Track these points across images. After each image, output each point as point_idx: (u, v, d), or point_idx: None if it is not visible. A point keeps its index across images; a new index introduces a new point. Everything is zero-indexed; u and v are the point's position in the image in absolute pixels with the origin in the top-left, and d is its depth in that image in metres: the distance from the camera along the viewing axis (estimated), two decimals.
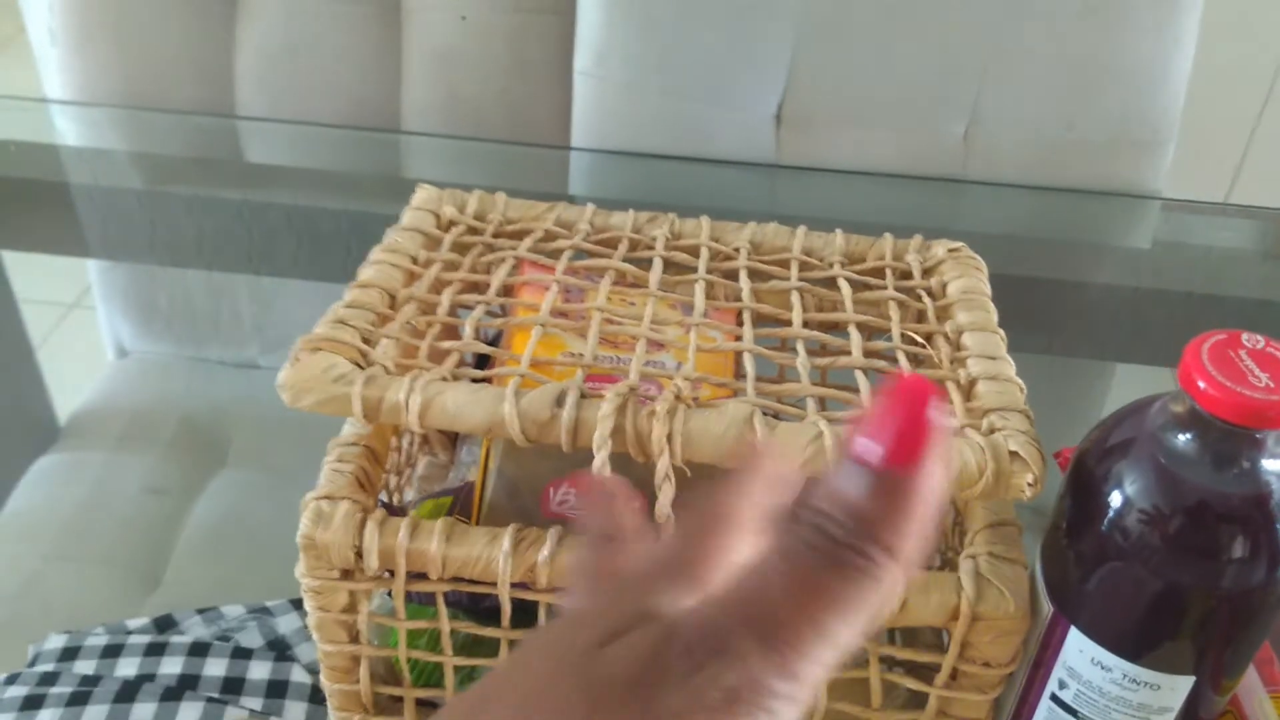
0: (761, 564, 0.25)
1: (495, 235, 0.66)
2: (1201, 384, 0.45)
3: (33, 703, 0.64)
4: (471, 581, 0.53)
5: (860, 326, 0.59)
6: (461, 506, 0.62)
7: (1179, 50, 1.12)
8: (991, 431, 0.50)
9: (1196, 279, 1.13)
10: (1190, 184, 1.28)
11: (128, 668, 0.67)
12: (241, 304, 1.16)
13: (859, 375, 0.55)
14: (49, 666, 0.67)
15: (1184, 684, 0.50)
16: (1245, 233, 1.27)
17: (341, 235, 1.10)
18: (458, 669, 0.59)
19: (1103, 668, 0.51)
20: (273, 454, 1.00)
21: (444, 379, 0.51)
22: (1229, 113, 1.91)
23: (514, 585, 0.53)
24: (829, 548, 0.24)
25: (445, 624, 0.56)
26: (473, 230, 0.67)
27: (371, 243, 0.63)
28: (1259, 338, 0.46)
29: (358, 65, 1.16)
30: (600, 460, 0.48)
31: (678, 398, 0.49)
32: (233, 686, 0.66)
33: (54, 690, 0.65)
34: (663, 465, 0.48)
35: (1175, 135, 1.14)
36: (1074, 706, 0.53)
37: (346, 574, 0.54)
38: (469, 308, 0.59)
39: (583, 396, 0.50)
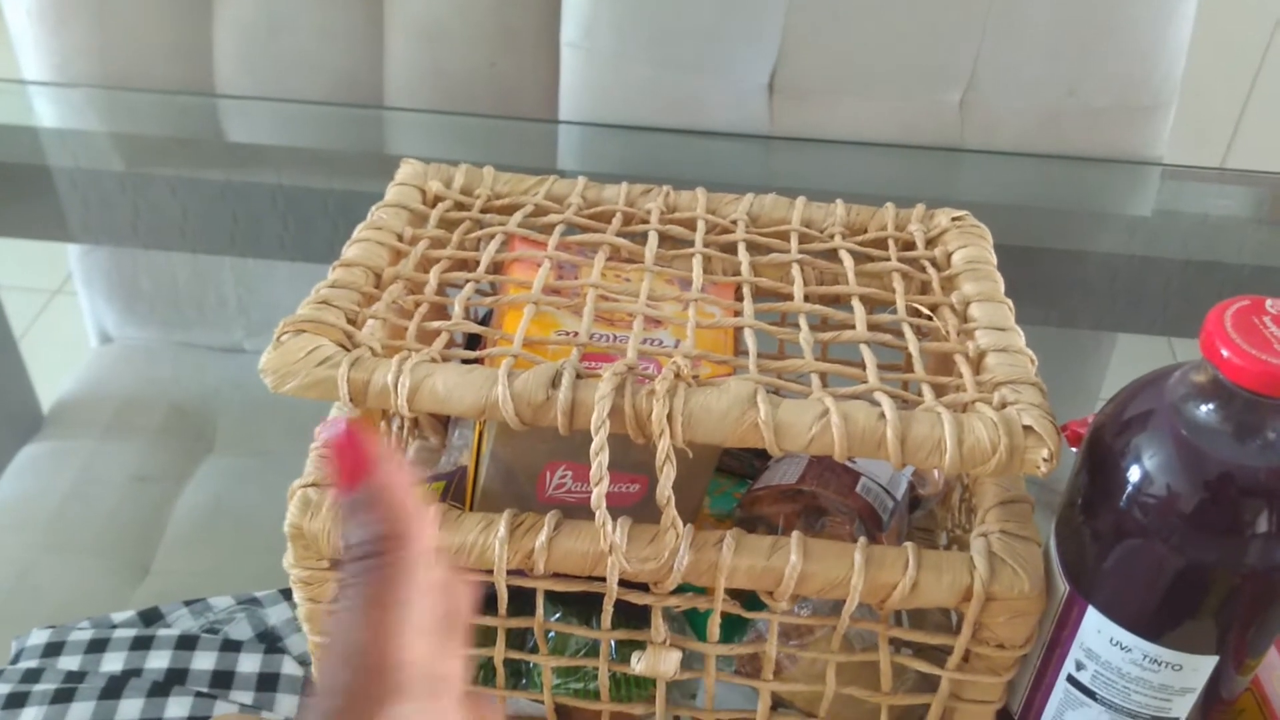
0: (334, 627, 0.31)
1: (483, 211, 0.64)
2: (1225, 352, 0.43)
3: (16, 700, 0.62)
4: (466, 569, 0.51)
5: (863, 299, 0.57)
6: (454, 492, 0.60)
7: (1178, 13, 1.10)
8: (1004, 405, 0.49)
9: (1195, 246, 1.12)
10: (1187, 149, 1.26)
11: (113, 663, 0.65)
12: (226, 287, 1.14)
13: (863, 349, 0.53)
14: (33, 663, 0.66)
15: (1207, 664, 0.48)
16: (1244, 198, 1.25)
17: (327, 215, 1.08)
18: None
19: (1122, 648, 0.49)
20: (261, 438, 0.98)
21: (433, 360, 0.49)
22: (1225, 77, 1.89)
23: (510, 572, 0.51)
24: (350, 571, 0.32)
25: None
26: (460, 206, 0.65)
27: (357, 222, 0.61)
28: None
29: (339, 40, 1.14)
30: (598, 442, 0.46)
31: (677, 376, 0.47)
32: (222, 680, 0.64)
33: (38, 687, 0.63)
34: (663, 446, 0.47)
35: (1175, 99, 1.13)
36: (1092, 688, 0.51)
37: (336, 563, 0.52)
38: (458, 286, 0.57)
39: (579, 377, 0.48)
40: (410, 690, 0.30)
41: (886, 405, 0.47)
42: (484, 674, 0.58)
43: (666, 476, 0.47)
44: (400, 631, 0.31)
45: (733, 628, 0.56)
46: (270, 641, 0.67)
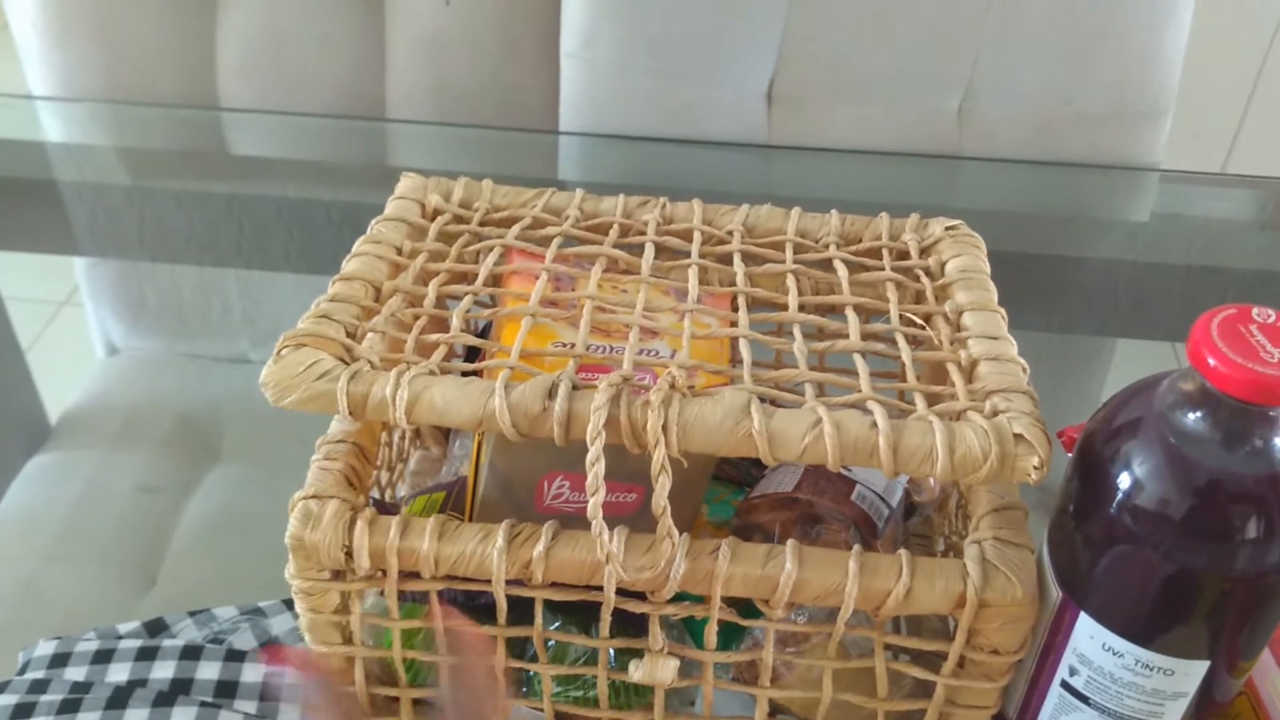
0: None
1: (482, 223, 0.65)
2: (1212, 361, 0.43)
3: (23, 711, 0.63)
4: (466, 579, 0.52)
5: (858, 309, 0.58)
6: (454, 502, 0.61)
7: (1175, 19, 1.10)
8: (995, 414, 0.49)
9: (1195, 251, 1.12)
10: (1187, 155, 1.26)
11: (119, 673, 0.66)
12: (231, 298, 1.14)
13: (857, 359, 0.54)
14: (39, 674, 0.66)
15: (1198, 669, 0.49)
16: (1243, 203, 1.26)
17: (331, 226, 1.09)
18: None
19: (1114, 653, 0.49)
20: (266, 449, 0.98)
21: (432, 373, 0.50)
22: (1224, 82, 1.89)
23: (509, 582, 0.52)
24: None
25: (439, 623, 0.55)
26: (459, 219, 0.65)
27: (361, 233, 0.61)
28: (1270, 311, 0.45)
29: (341, 53, 1.15)
30: (594, 452, 0.47)
31: (673, 387, 0.48)
32: (226, 690, 0.65)
33: (44, 698, 0.64)
34: (659, 456, 0.47)
35: (1173, 106, 1.13)
36: (1085, 693, 0.51)
37: (337, 575, 0.53)
38: (457, 298, 0.58)
39: (575, 388, 0.48)
40: None
41: (879, 414, 0.48)
42: None
43: (662, 486, 0.47)
44: None
45: (730, 635, 0.57)
46: None
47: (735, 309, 0.58)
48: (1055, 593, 0.51)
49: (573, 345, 0.53)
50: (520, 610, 0.54)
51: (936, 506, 0.67)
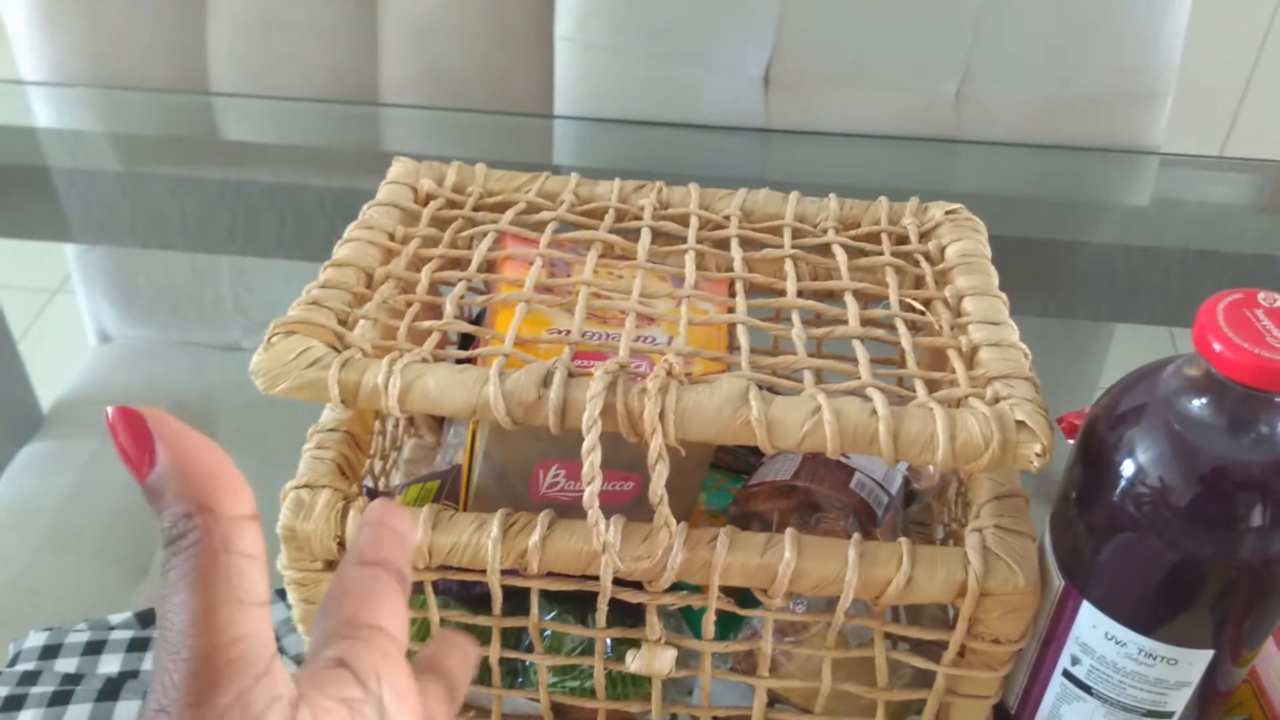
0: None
1: (476, 208, 0.64)
2: (1217, 346, 0.43)
3: (13, 703, 0.62)
4: (460, 569, 0.51)
5: (857, 294, 0.57)
6: (449, 491, 0.60)
7: (1175, 1, 1.09)
8: (996, 400, 0.48)
9: (1194, 235, 1.11)
10: (1186, 138, 1.26)
11: (111, 665, 0.65)
12: (224, 285, 1.14)
13: (856, 345, 0.53)
14: (30, 665, 0.66)
15: (1202, 658, 0.48)
16: (1242, 186, 1.25)
17: (324, 212, 1.08)
18: None
19: (1117, 643, 0.49)
20: (260, 437, 0.97)
21: (425, 360, 0.49)
22: (1223, 64, 1.89)
23: (505, 572, 0.51)
24: (166, 556, 0.28)
25: (434, 613, 0.54)
26: (452, 204, 0.64)
27: (354, 219, 0.60)
28: (1276, 295, 0.44)
29: (333, 37, 1.14)
30: (590, 441, 0.46)
31: (670, 374, 0.47)
32: None
33: (35, 690, 0.63)
34: (656, 444, 0.46)
35: (1172, 89, 1.12)
36: (1087, 683, 0.51)
37: (330, 565, 0.52)
38: (450, 285, 0.57)
39: (570, 375, 0.48)
40: (249, 666, 0.28)
41: (879, 401, 0.47)
42: (479, 673, 0.58)
43: (659, 475, 0.47)
44: (224, 606, 0.28)
45: (728, 625, 0.56)
46: None
47: (733, 295, 0.57)
48: (1057, 581, 0.51)
49: (568, 332, 0.53)
50: (515, 600, 0.53)
51: (936, 494, 0.66)
